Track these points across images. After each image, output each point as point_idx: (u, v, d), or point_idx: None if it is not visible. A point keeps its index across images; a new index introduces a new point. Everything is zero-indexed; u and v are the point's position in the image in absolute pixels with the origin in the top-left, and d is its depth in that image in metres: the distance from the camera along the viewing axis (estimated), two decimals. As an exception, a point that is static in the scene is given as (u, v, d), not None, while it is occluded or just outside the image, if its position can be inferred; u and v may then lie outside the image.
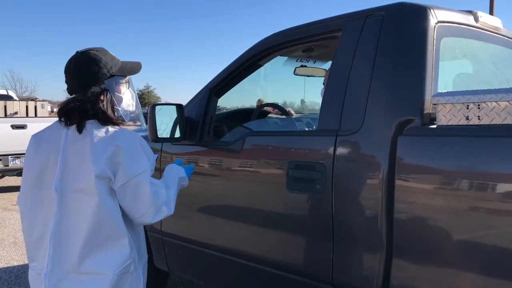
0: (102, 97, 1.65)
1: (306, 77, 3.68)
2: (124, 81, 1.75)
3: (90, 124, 1.61)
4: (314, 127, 2.84)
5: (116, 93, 1.70)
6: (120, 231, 1.59)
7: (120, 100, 1.72)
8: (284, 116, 3.55)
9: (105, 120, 1.63)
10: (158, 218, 1.68)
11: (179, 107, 2.61)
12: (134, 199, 1.60)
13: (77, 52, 1.68)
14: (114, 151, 1.55)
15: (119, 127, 1.66)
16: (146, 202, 1.62)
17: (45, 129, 1.70)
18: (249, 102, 5.04)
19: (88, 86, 1.63)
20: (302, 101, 4.86)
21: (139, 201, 1.61)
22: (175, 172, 1.88)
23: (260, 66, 2.64)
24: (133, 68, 1.78)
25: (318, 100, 2.26)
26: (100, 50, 1.69)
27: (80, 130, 1.59)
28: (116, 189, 1.58)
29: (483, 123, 1.57)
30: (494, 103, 1.54)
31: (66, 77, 1.67)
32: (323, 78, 3.32)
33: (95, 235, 1.56)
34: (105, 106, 1.64)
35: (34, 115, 8.37)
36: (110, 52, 1.72)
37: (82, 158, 1.56)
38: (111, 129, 1.62)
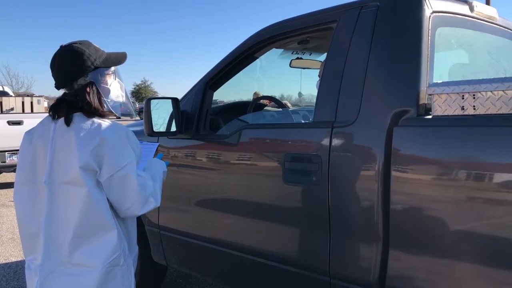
0: (88, 89, 1.65)
1: (302, 69, 3.67)
2: (110, 72, 1.74)
3: (76, 116, 1.62)
4: (311, 119, 2.83)
5: (102, 85, 1.70)
6: (108, 223, 1.60)
7: (108, 91, 1.72)
8: (280, 109, 3.54)
9: (92, 112, 1.64)
10: (145, 210, 1.68)
11: (174, 100, 2.60)
12: (121, 191, 1.61)
13: (60, 47, 1.69)
14: (99, 143, 1.55)
15: (105, 119, 1.66)
16: (133, 194, 1.62)
17: (37, 124, 1.72)
18: (246, 95, 5.03)
19: (73, 79, 1.63)
20: (300, 94, 4.85)
21: (126, 193, 1.61)
22: (160, 167, 1.87)
23: (255, 58, 2.63)
24: (118, 58, 1.77)
25: (315, 92, 2.25)
26: (83, 43, 1.69)
27: (67, 122, 1.60)
28: (103, 181, 1.58)
29: (478, 113, 1.57)
30: (489, 93, 1.54)
31: (52, 72, 1.68)
32: (319, 70, 3.31)
33: (84, 227, 1.57)
34: (91, 98, 1.65)
35: (30, 111, 8.33)
36: (94, 44, 1.72)
37: (68, 150, 1.57)
38: (96, 121, 1.62)
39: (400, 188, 1.71)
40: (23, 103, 8.35)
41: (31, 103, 8.49)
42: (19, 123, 7.33)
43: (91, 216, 1.57)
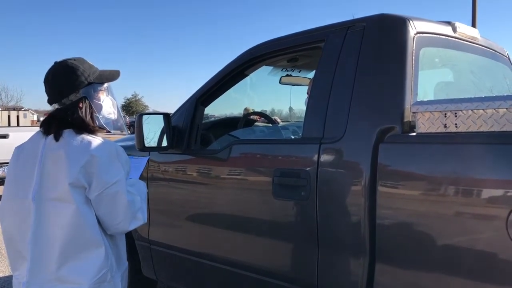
0: (80, 105, 1.67)
1: (291, 86, 3.73)
2: (103, 88, 1.75)
3: (67, 132, 1.62)
4: (300, 135, 2.88)
5: (95, 101, 1.71)
6: (96, 240, 1.60)
7: (100, 107, 1.73)
8: (270, 125, 3.59)
9: (82, 128, 1.64)
10: (134, 226, 1.69)
11: (166, 116, 2.63)
12: (110, 208, 1.61)
13: (55, 62, 1.71)
14: (89, 160, 1.56)
15: (94, 135, 1.67)
16: (123, 210, 1.63)
17: (27, 140, 1.72)
18: (236, 110, 5.09)
19: (66, 95, 1.65)
20: (290, 109, 4.91)
21: (116, 209, 1.62)
22: (143, 186, 1.87)
23: (246, 75, 2.68)
24: (111, 75, 1.79)
25: (304, 108, 2.31)
26: (77, 59, 1.71)
27: (57, 138, 1.60)
28: (92, 198, 1.59)
29: (460, 131, 1.63)
30: (470, 111, 1.60)
31: (45, 87, 1.69)
32: (307, 87, 3.37)
33: (72, 244, 1.56)
34: (83, 114, 1.66)
35: (16, 125, 8.30)
36: (88, 61, 1.74)
37: (58, 166, 1.57)
38: (86, 137, 1.62)
39: (386, 203, 1.75)
40: (9, 116, 8.33)
41: (17, 116, 8.48)
42: (4, 136, 7.28)
43: (79, 233, 1.57)
